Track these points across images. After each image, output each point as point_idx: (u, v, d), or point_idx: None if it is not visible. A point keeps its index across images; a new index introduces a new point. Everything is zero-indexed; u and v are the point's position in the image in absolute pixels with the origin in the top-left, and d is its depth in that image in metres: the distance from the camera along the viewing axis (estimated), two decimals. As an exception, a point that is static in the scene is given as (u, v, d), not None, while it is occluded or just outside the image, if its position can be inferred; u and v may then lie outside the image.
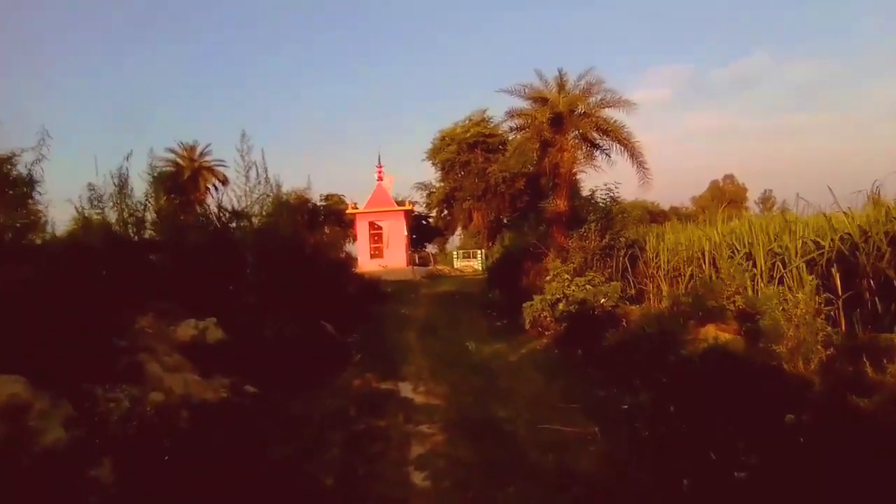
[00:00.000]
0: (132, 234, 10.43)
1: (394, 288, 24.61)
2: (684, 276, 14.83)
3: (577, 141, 19.70)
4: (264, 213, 11.71)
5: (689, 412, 6.74)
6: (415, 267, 35.30)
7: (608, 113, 19.15)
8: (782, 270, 10.54)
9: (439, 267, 45.53)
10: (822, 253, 10.18)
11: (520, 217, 47.62)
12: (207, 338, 7.79)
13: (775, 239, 11.92)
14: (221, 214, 11.87)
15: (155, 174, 11.33)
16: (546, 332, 13.64)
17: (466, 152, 52.94)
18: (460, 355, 11.43)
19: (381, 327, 14.73)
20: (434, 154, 55.31)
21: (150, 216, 10.74)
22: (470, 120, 54.44)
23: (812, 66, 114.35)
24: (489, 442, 6.23)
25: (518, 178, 51.05)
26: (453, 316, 17.71)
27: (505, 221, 53.42)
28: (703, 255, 14.56)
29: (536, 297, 14.70)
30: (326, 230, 65.52)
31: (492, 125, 54.59)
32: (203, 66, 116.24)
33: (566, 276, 15.16)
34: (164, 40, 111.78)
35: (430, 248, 61.14)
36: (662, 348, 8.63)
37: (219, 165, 54.83)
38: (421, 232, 58.65)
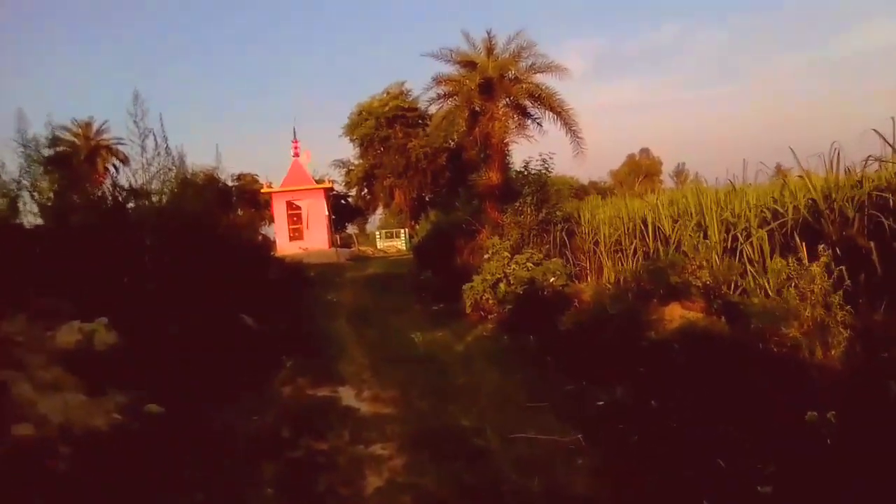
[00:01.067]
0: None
1: (317, 272, 22.97)
2: (627, 250, 14.14)
3: (507, 109, 18.63)
4: (166, 189, 9.95)
5: (676, 408, 5.80)
6: (338, 249, 33.52)
7: (540, 78, 18.17)
8: (741, 241, 9.83)
9: (362, 248, 43.92)
10: (784, 222, 9.51)
11: (448, 193, 46.57)
12: (96, 343, 6.13)
13: (725, 208, 11.27)
14: (117, 193, 10.01)
15: (33, 151, 9.33)
16: (489, 316, 12.57)
17: (385, 127, 51.17)
18: (402, 347, 10.21)
19: (308, 316, 13.29)
20: (351, 129, 53.16)
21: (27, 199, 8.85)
22: (388, 93, 52.59)
23: (720, 38, 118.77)
24: (458, 463, 5.05)
25: (440, 153, 49.89)
26: (385, 301, 16.39)
27: (427, 199, 52.31)
28: (646, 227, 13.90)
29: (476, 278, 13.60)
30: (240, 212, 62.72)
31: (411, 99, 53.05)
32: (99, 34, 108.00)
33: (506, 253, 14.14)
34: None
35: (351, 229, 59.23)
36: (630, 332, 7.69)
37: (118, 144, 50.66)
38: (341, 212, 56.55)
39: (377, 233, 50.12)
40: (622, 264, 14.02)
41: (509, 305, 12.29)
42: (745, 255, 9.58)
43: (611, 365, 7.06)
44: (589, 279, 15.08)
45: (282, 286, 14.35)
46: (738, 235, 9.84)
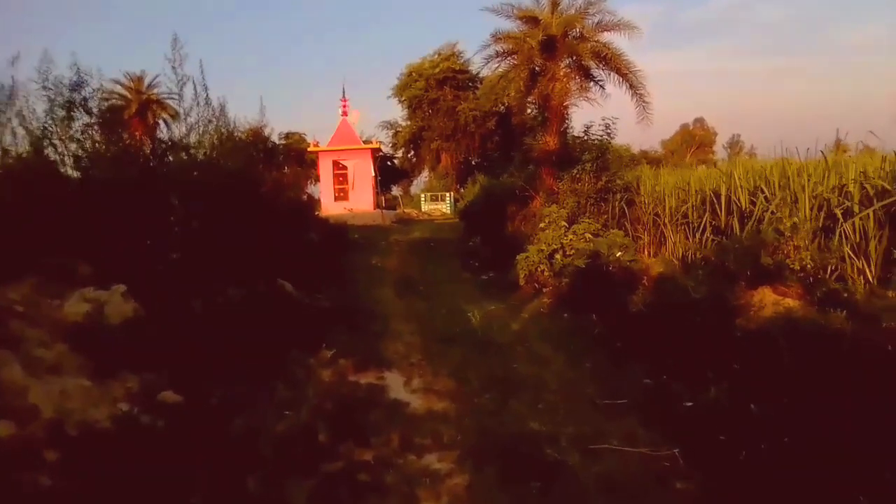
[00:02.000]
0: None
1: (361, 234, 22.34)
2: (693, 224, 13.06)
3: (569, 70, 17.41)
4: (205, 143, 9.29)
5: (786, 418, 4.88)
6: (383, 211, 32.86)
7: (607, 37, 16.86)
8: (841, 221, 8.67)
9: (407, 210, 43.18)
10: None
11: (497, 157, 45.33)
12: (110, 315, 5.42)
13: (822, 182, 10.06)
14: (157, 146, 9.42)
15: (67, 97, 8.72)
16: (544, 289, 11.70)
17: (435, 89, 50.15)
18: (453, 323, 9.33)
19: (352, 284, 12.51)
20: (401, 90, 52.32)
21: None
22: (439, 54, 51.43)
23: (780, 10, 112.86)
24: (533, 484, 4.16)
25: (489, 117, 48.70)
26: (432, 268, 15.59)
27: (474, 163, 51.25)
28: (718, 199, 12.76)
29: (530, 248, 12.71)
30: (286, 170, 62.63)
31: (462, 61, 51.82)
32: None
33: (563, 223, 13.21)
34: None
35: (396, 191, 58.61)
36: (718, 319, 6.75)
37: (169, 98, 50.75)
38: (387, 173, 55.93)
39: (422, 195, 49.23)
40: (689, 239, 12.98)
41: (566, 279, 11.40)
42: (843, 237, 8.48)
43: (696, 357, 6.14)
44: (648, 253, 14.08)
45: (325, 249, 13.69)
46: (837, 214, 8.70)
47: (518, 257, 12.43)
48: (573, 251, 12.30)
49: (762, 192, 11.36)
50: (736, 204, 12.08)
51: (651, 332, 7.22)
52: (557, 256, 12.28)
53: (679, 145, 74.72)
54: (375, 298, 11.26)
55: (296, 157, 49.58)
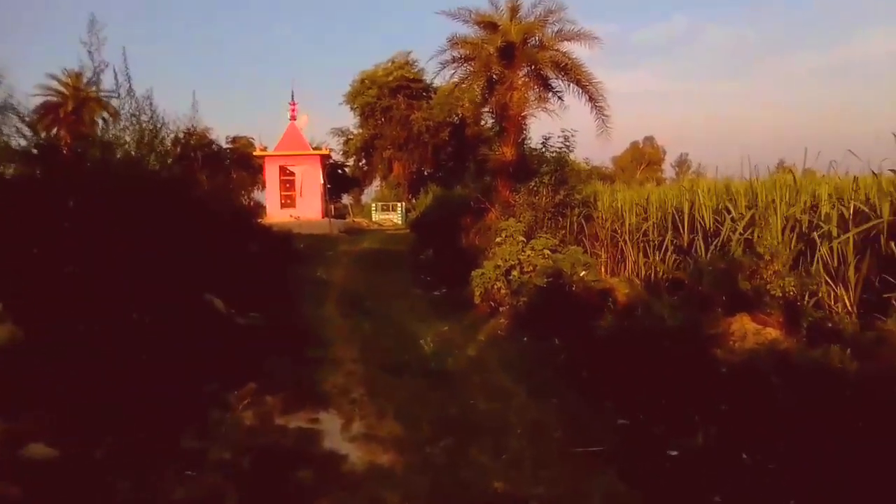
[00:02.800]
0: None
1: (308, 243, 21.21)
2: (653, 242, 12.58)
3: (528, 79, 16.83)
4: (124, 139, 8.19)
5: (786, 470, 4.20)
6: (331, 219, 31.68)
7: (567, 47, 16.35)
8: (819, 244, 8.16)
9: (357, 220, 42.09)
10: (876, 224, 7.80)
11: (451, 167, 44.72)
12: None
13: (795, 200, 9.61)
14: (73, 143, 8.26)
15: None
16: (501, 308, 10.93)
17: (388, 97, 49.56)
18: (402, 347, 8.39)
19: (294, 299, 11.45)
20: (353, 97, 51.57)
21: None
22: (393, 62, 50.96)
23: (728, 33, 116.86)
24: None
25: (443, 127, 48.32)
26: (381, 282, 14.63)
27: (427, 173, 50.63)
28: (680, 216, 12.33)
29: (487, 264, 11.96)
30: (233, 175, 60.59)
31: (416, 69, 51.34)
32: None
33: (521, 238, 12.53)
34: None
35: (346, 200, 57.47)
36: (696, 350, 6.08)
37: (110, 97, 48.34)
38: (337, 181, 54.73)
39: (373, 205, 48.28)
40: (650, 258, 12.46)
41: (524, 298, 10.67)
42: (819, 261, 7.98)
43: (675, 394, 5.45)
44: (607, 271, 13.55)
45: (266, 260, 12.60)
46: (814, 237, 8.20)
47: (473, 274, 11.65)
48: (531, 268, 11.63)
49: (728, 211, 10.91)
50: (700, 223, 11.65)
51: (622, 361, 6.49)
52: (514, 273, 11.58)
53: (629, 162, 75.95)
54: (317, 316, 10.25)
55: (242, 161, 47.96)
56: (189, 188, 10.00)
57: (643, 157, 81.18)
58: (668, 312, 6.68)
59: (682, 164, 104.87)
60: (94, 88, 50.80)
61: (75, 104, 47.05)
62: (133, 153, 8.22)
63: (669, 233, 12.10)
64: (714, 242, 10.56)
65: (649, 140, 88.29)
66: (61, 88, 47.65)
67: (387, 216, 44.74)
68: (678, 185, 14.74)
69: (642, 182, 30.53)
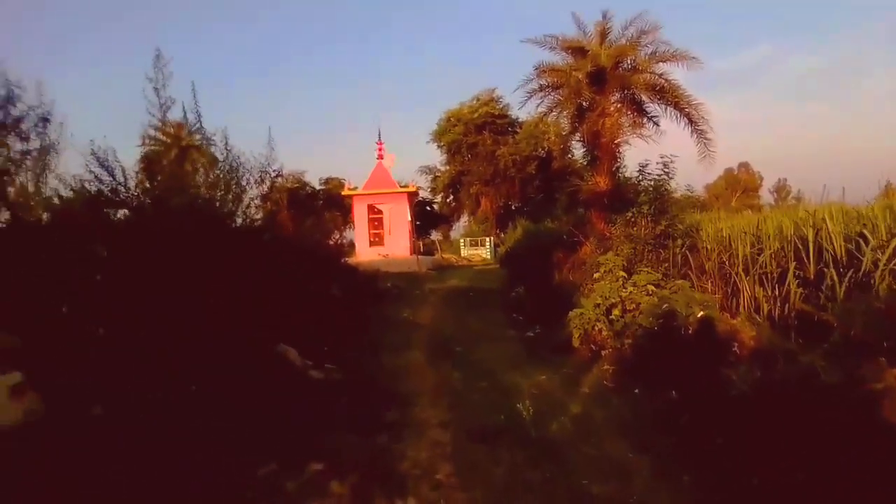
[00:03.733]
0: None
1: (395, 282, 20.83)
2: (772, 275, 11.14)
3: (620, 104, 15.87)
4: (205, 183, 7.94)
5: None
6: (419, 256, 31.35)
7: (662, 68, 15.30)
8: None
9: (445, 255, 41.75)
10: None
11: (540, 201, 43.76)
12: None
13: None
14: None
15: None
16: (603, 352, 9.89)
17: (474, 134, 49.76)
18: (495, 404, 7.32)
19: (376, 345, 10.71)
20: (439, 136, 52.18)
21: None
22: (478, 100, 51.28)
23: (817, 57, 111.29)
24: None
25: (529, 161, 47.76)
26: (470, 322, 13.81)
27: (514, 207, 50.01)
28: (804, 245, 10.90)
29: (585, 302, 10.96)
30: (325, 216, 62.12)
31: (501, 106, 51.33)
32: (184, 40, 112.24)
33: (621, 273, 11.47)
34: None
35: (435, 236, 57.60)
36: (868, 417, 4.88)
37: (208, 144, 50.93)
38: (425, 218, 55.02)
39: (461, 240, 47.98)
40: (766, 291, 11.03)
41: (629, 340, 9.63)
42: None
43: (845, 475, 4.30)
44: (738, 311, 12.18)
45: (349, 303, 12.13)
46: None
47: (571, 314, 10.66)
48: (633, 306, 10.56)
49: (863, 238, 9.47)
50: (829, 252, 10.23)
51: (766, 426, 5.36)
52: (615, 312, 10.53)
53: (723, 190, 72.45)
54: (400, 365, 9.44)
55: (334, 202, 49.02)
56: (265, 230, 9.66)
57: (738, 184, 77.32)
58: (822, 365, 5.48)
59: (780, 189, 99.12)
60: (197, 137, 54.26)
61: (177, 152, 49.79)
62: (204, 194, 7.92)
63: (793, 263, 10.67)
64: (847, 274, 9.18)
65: (744, 166, 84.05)
66: (164, 138, 50.62)
67: (475, 251, 44.28)
68: (796, 211, 13.23)
69: (738, 209, 28.64)
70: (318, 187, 61.06)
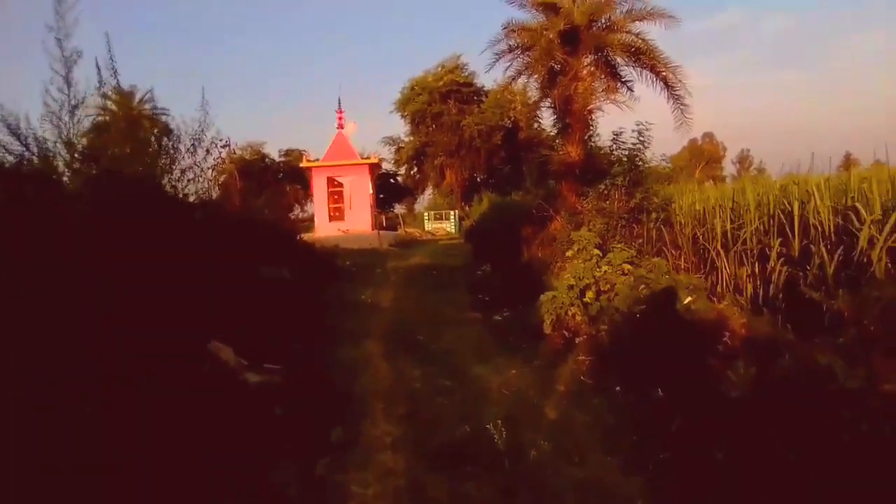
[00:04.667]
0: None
1: (355, 259, 19.66)
2: (751, 251, 10.39)
3: (593, 68, 14.84)
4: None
5: None
6: (381, 231, 30.10)
7: (638, 27, 14.27)
8: None
9: (408, 230, 40.66)
10: None
11: (508, 172, 42.77)
12: None
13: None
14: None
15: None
16: (576, 339, 8.98)
17: (438, 103, 48.46)
18: (461, 411, 6.17)
19: (328, 334, 9.49)
20: (403, 105, 50.75)
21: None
22: (443, 67, 49.89)
23: (781, 22, 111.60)
24: None
25: (495, 131, 46.70)
26: (434, 304, 12.70)
27: (479, 180, 49.08)
28: (789, 220, 10.15)
29: (558, 284, 10.01)
30: (287, 189, 60.26)
31: (467, 73, 50.03)
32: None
33: (595, 251, 10.55)
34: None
35: (399, 209, 56.38)
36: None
37: (161, 114, 48.65)
38: (388, 191, 53.72)
39: (425, 214, 46.90)
40: (746, 269, 10.23)
41: (604, 326, 8.76)
42: None
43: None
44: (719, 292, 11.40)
45: (301, 284, 10.94)
46: None
47: (542, 297, 9.70)
48: (608, 287, 9.67)
49: (854, 212, 8.71)
50: (817, 227, 9.48)
51: (772, 437, 4.48)
52: (589, 294, 9.62)
53: (688, 161, 72.55)
54: (355, 359, 8.29)
55: (296, 176, 47.40)
56: (199, 206, 8.43)
57: (702, 155, 77.75)
58: (841, 367, 4.60)
59: (743, 160, 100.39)
60: (147, 106, 51.63)
61: (128, 121, 47.23)
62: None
63: (777, 240, 9.87)
64: (836, 252, 8.45)
65: (708, 136, 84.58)
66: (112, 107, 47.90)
67: (440, 225, 43.33)
68: (771, 182, 12.49)
69: (701, 181, 28.30)
70: (278, 159, 59.18)
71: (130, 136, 7.56)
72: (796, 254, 9.60)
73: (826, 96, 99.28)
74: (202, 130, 8.66)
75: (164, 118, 48.52)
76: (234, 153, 13.07)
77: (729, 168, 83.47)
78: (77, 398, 3.92)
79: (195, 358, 5.81)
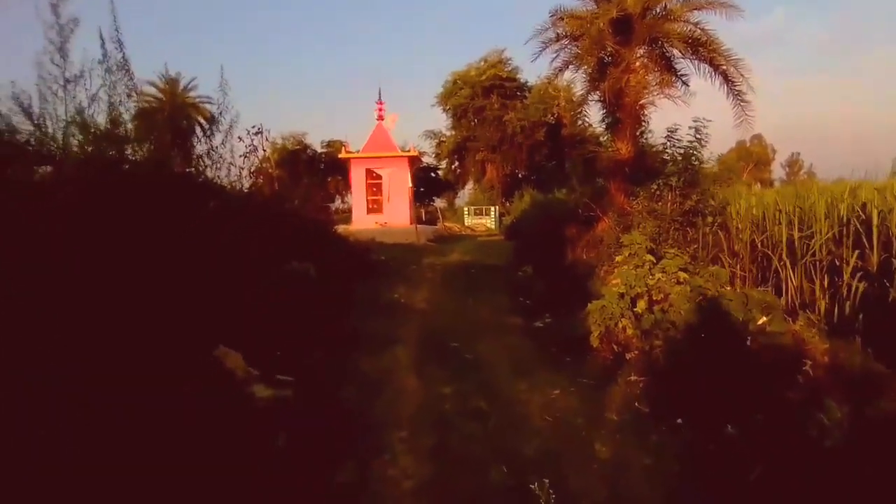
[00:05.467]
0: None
1: (391, 254, 19.03)
2: (822, 263, 9.40)
3: (646, 59, 13.88)
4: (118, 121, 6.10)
5: None
6: (419, 226, 29.34)
7: (697, 17, 13.25)
8: None
9: (448, 224, 39.93)
10: None
11: (552, 168, 41.72)
12: None
13: None
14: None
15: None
16: (627, 355, 8.14)
17: (481, 97, 47.68)
18: (497, 443, 5.30)
19: (354, 337, 8.68)
20: (445, 99, 50.11)
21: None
22: (486, 61, 49.09)
23: (832, 26, 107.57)
24: None
25: (538, 127, 45.73)
26: (471, 308, 11.87)
27: (521, 176, 48.18)
28: (867, 228, 9.19)
29: (607, 291, 9.18)
30: (328, 181, 60.20)
31: (510, 68, 49.14)
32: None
33: (648, 256, 9.70)
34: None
35: (439, 203, 55.74)
36: None
37: (205, 102, 49.06)
38: (428, 185, 53.11)
39: (465, 209, 46.15)
40: (814, 283, 9.22)
41: (659, 342, 7.90)
42: None
43: None
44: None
45: (328, 281, 10.30)
46: None
47: (591, 306, 8.88)
48: (661, 296, 8.82)
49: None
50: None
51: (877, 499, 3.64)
52: (640, 304, 8.77)
53: (735, 163, 70.29)
54: (378, 371, 7.42)
55: (337, 167, 47.17)
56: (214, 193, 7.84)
57: (751, 157, 75.25)
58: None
59: (793, 163, 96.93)
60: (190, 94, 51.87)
61: (171, 109, 47.60)
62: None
63: (855, 252, 8.86)
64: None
65: (757, 138, 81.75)
66: (160, 95, 48.24)
67: (480, 221, 42.55)
68: (855, 186, 11.41)
69: (750, 184, 27.09)
70: (319, 150, 59.05)
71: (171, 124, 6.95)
72: (875, 268, 8.65)
73: (875, 103, 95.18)
74: (220, 113, 8.06)
75: (208, 106, 48.51)
76: (268, 140, 12.46)
77: (778, 172, 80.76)
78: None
79: (197, 365, 5.19)
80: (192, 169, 8.03)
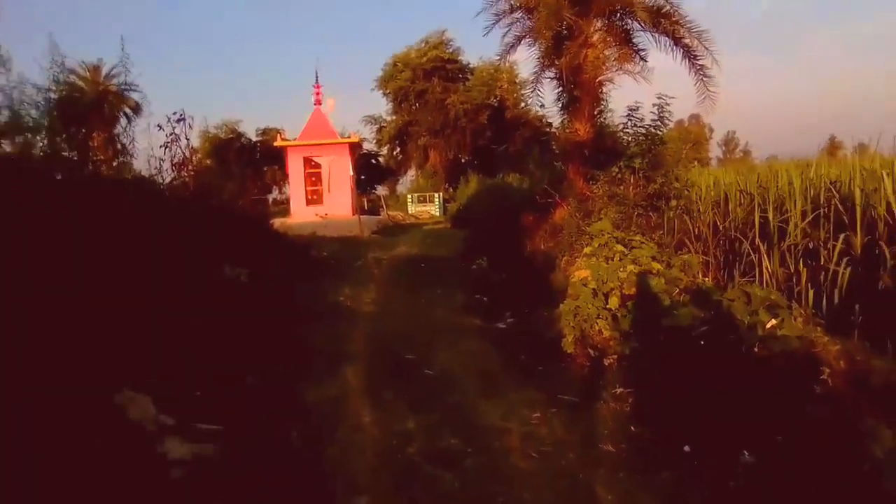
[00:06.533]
0: None
1: (333, 249, 17.72)
2: (797, 246, 8.87)
3: (604, 33, 13.02)
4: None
5: None
6: (362, 216, 27.93)
7: (657, -14, 12.43)
8: None
9: (392, 213, 38.67)
10: None
11: (505, 150, 40.87)
12: None
13: None
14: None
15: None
16: (605, 360, 7.21)
17: (422, 80, 46.45)
18: (479, 494, 4.23)
19: (293, 357, 7.21)
20: (385, 82, 48.68)
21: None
22: (427, 42, 47.80)
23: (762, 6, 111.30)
24: None
25: (481, 110, 44.91)
26: (423, 308, 10.76)
27: (464, 161, 47.43)
28: (849, 209, 8.69)
29: (581, 290, 8.19)
30: (264, 171, 57.89)
31: (451, 50, 48.13)
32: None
33: (619, 247, 8.85)
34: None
35: (381, 191, 54.36)
36: None
37: (130, 90, 45.94)
38: (370, 172, 51.61)
39: (409, 196, 44.99)
40: (788, 267, 8.56)
41: (636, 345, 7.05)
42: None
43: None
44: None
45: (263, 287, 8.99)
46: None
47: (563, 307, 7.92)
48: (632, 290, 7.99)
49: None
50: (886, 220, 8.02)
51: None
52: (613, 299, 7.88)
53: (674, 142, 71.32)
54: (326, 402, 6.01)
55: (274, 156, 45.24)
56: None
57: (689, 137, 76.62)
58: None
59: (728, 142, 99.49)
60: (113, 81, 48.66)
61: (94, 98, 44.49)
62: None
63: (841, 235, 8.23)
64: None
65: (695, 118, 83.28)
66: (79, 83, 45.03)
67: (424, 208, 41.50)
68: (835, 164, 10.95)
69: (688, 163, 27.17)
70: (254, 139, 56.67)
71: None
72: (859, 252, 8.07)
73: (803, 82, 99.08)
74: (122, 91, 6.78)
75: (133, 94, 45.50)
76: (192, 128, 11.06)
77: (714, 150, 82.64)
78: None
79: (89, 420, 3.92)
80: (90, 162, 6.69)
